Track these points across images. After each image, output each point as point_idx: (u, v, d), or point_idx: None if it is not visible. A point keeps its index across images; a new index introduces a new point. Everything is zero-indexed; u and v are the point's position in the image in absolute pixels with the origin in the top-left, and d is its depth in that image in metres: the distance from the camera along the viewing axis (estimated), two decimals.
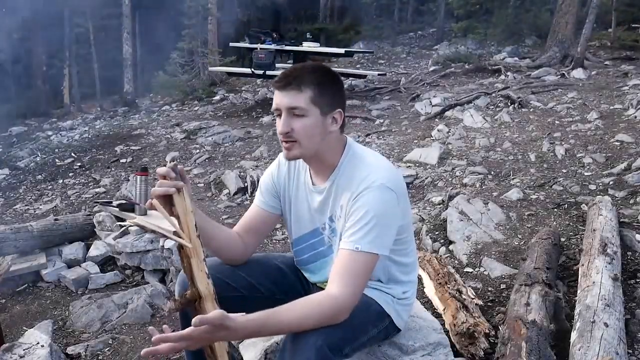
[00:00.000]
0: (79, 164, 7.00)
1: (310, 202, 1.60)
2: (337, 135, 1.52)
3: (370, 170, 1.46)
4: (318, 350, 1.28)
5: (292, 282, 1.74)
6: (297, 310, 1.32)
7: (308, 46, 8.69)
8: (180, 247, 1.30)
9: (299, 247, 1.68)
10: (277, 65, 8.68)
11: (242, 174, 5.17)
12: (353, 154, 1.54)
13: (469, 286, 2.63)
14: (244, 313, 1.26)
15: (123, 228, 3.56)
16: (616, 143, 4.81)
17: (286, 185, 1.66)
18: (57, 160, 7.37)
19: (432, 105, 7.22)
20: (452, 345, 2.05)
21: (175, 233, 1.30)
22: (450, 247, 3.29)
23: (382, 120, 6.96)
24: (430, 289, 2.61)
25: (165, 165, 1.39)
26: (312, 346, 1.28)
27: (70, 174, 6.60)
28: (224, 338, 1.26)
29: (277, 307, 1.31)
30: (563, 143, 4.98)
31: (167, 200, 1.32)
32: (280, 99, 1.46)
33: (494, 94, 7.23)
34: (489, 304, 2.59)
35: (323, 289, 1.66)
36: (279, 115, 1.48)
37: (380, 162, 1.52)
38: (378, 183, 1.42)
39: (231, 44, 10.27)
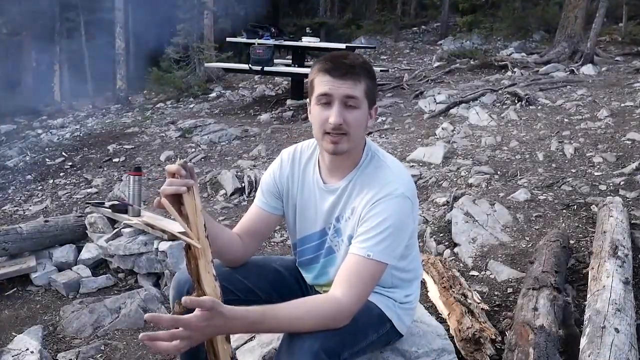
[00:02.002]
0: (70, 163, 7.00)
1: (318, 202, 1.59)
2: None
3: (392, 177, 1.47)
4: (314, 355, 1.28)
5: (291, 286, 1.74)
6: (297, 309, 1.32)
7: (308, 41, 8.69)
8: (188, 248, 1.29)
9: (302, 248, 1.68)
10: (276, 61, 8.69)
11: (239, 173, 5.17)
12: (373, 155, 1.55)
13: (475, 290, 2.64)
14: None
15: (116, 230, 3.56)
16: (627, 142, 4.82)
17: (290, 184, 1.65)
18: (47, 159, 7.37)
19: (436, 103, 7.22)
20: (457, 352, 2.05)
21: (183, 233, 1.30)
22: (455, 249, 3.30)
23: (384, 118, 6.96)
24: (434, 293, 2.62)
25: (163, 165, 1.39)
26: (307, 350, 1.28)
27: (61, 174, 6.60)
28: (222, 328, 1.22)
29: (278, 303, 1.31)
30: (572, 142, 4.98)
31: (176, 199, 1.32)
32: (335, 86, 1.42)
33: (500, 91, 7.23)
34: (495, 308, 2.59)
35: (321, 293, 1.67)
36: (326, 103, 1.44)
37: (400, 168, 1.54)
38: (400, 192, 1.44)
39: (228, 39, 10.27)
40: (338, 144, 1.45)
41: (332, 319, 1.34)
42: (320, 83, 1.44)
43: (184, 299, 1.16)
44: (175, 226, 3.02)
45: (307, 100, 1.55)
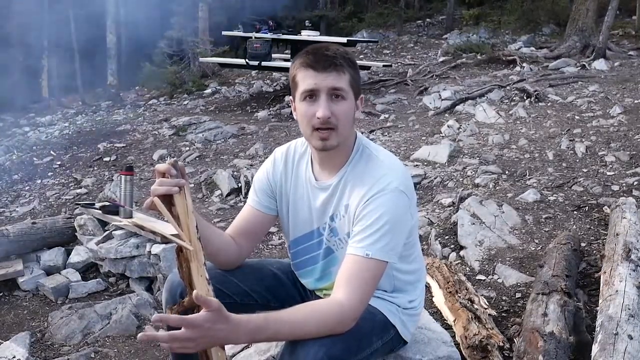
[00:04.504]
0: (58, 162, 7.00)
1: (311, 201, 1.60)
2: (354, 127, 1.55)
3: (384, 171, 1.48)
4: None
5: (289, 290, 1.74)
6: (301, 315, 1.32)
7: (307, 35, 8.70)
8: (180, 251, 1.30)
9: (296, 250, 1.68)
10: (274, 55, 8.69)
11: (235, 173, 5.17)
12: (364, 149, 1.55)
13: (482, 295, 2.64)
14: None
15: (107, 232, 3.56)
16: None
17: (283, 182, 1.66)
18: (35, 158, 7.37)
19: (442, 99, 7.23)
20: (464, 359, 2.05)
21: (175, 235, 1.30)
22: (461, 252, 3.30)
23: (387, 115, 6.97)
24: (439, 298, 2.62)
25: (156, 164, 1.40)
26: (312, 358, 1.29)
27: (50, 174, 6.60)
28: (225, 333, 1.21)
29: (280, 310, 1.32)
30: (583, 140, 4.99)
31: (166, 200, 1.32)
32: (319, 79, 1.43)
33: (508, 87, 7.23)
34: (503, 314, 2.59)
35: (322, 297, 1.67)
36: (311, 96, 1.45)
37: (394, 162, 1.54)
38: (393, 186, 1.44)
39: (224, 33, 10.27)
40: (327, 139, 1.46)
41: (337, 323, 1.34)
42: (304, 78, 1.45)
43: (194, 293, 1.16)
44: (166, 228, 3.02)
45: (291, 97, 1.56)
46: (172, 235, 1.33)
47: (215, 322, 1.17)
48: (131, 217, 3.45)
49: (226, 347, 1.83)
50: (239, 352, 1.87)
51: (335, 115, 1.44)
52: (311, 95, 1.45)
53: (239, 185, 4.93)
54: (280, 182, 1.66)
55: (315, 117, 1.44)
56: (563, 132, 5.31)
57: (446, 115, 6.63)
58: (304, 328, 1.31)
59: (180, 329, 1.16)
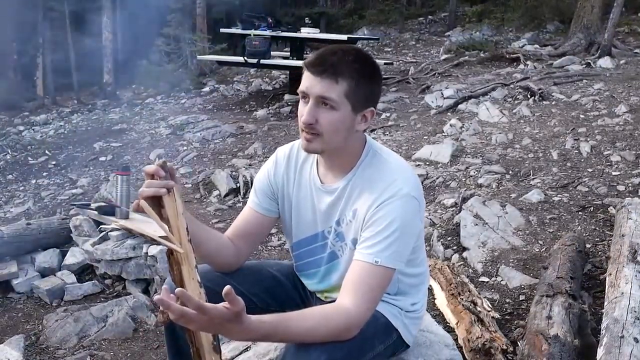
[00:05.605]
0: (53, 162, 7.01)
1: (316, 203, 1.59)
2: (361, 133, 1.52)
3: (395, 177, 1.46)
4: None
5: (289, 292, 1.74)
6: (309, 320, 1.32)
7: (307, 32, 8.69)
8: (170, 253, 1.30)
9: (298, 252, 1.68)
10: (273, 53, 8.68)
11: (234, 173, 5.17)
12: (373, 153, 1.54)
13: (485, 297, 2.64)
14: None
15: (103, 233, 3.56)
16: None
17: (285, 184, 1.65)
18: (29, 158, 7.38)
19: (444, 98, 7.22)
20: None
21: (164, 237, 1.30)
22: (464, 254, 3.30)
23: (388, 114, 6.96)
24: (442, 301, 2.62)
25: (152, 164, 1.39)
26: None
27: (44, 174, 6.61)
28: (229, 332, 1.21)
29: (287, 313, 1.32)
30: (588, 139, 4.99)
31: (156, 202, 1.32)
32: (311, 83, 1.42)
33: (512, 85, 7.23)
34: (506, 317, 2.59)
35: (322, 299, 1.67)
36: (304, 98, 1.45)
37: (404, 167, 1.53)
38: (404, 192, 1.43)
39: (222, 30, 10.28)
40: (310, 142, 1.46)
41: (344, 330, 1.34)
42: (303, 77, 1.45)
43: (225, 288, 1.13)
44: (159, 230, 3.01)
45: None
46: (162, 237, 1.32)
47: (228, 320, 1.17)
48: (128, 217, 3.44)
49: (225, 348, 1.84)
50: (237, 356, 1.86)
51: (320, 123, 1.43)
52: (304, 96, 1.45)
53: (238, 185, 4.93)
54: (282, 182, 1.65)
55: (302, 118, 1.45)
56: (568, 131, 5.31)
57: (448, 114, 6.62)
58: (312, 334, 1.31)
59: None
